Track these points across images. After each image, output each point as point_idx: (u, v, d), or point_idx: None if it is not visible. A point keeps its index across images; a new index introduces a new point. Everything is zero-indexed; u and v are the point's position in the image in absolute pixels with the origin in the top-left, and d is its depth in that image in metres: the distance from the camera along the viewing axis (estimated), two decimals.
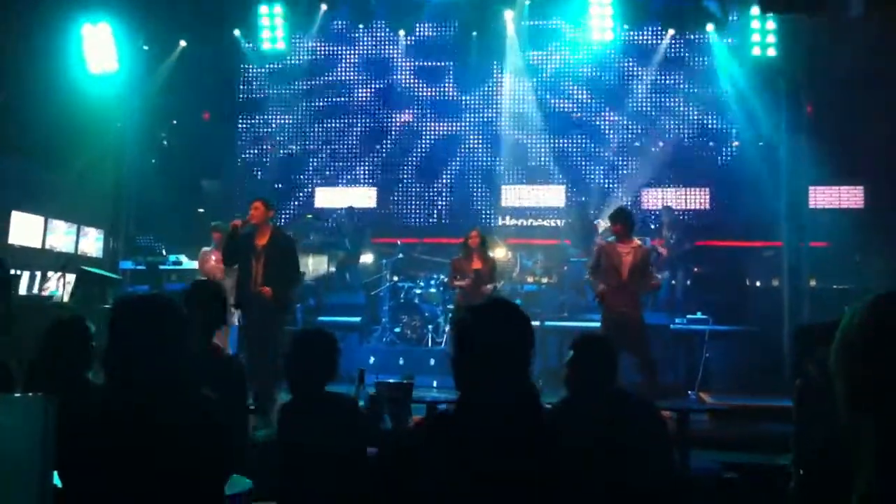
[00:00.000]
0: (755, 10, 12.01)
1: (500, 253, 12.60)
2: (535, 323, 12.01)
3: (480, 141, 15.75)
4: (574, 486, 2.56)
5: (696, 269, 13.08)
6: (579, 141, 15.50)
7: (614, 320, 8.78)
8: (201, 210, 14.94)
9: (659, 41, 14.87)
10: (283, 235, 8.76)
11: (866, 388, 1.62)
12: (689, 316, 11.82)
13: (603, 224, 12.97)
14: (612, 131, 15.45)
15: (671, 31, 14.27)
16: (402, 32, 15.08)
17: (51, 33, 12.37)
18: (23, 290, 11.22)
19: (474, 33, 14.65)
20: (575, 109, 15.53)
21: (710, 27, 13.44)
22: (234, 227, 8.62)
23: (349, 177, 16.12)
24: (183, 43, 13.85)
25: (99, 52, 13.04)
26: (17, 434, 2.64)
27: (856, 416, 1.64)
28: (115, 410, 2.78)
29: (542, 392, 2.64)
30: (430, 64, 15.89)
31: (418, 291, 12.59)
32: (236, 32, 14.06)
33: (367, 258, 14.09)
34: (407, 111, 16.00)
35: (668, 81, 15.08)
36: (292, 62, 15.69)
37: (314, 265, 13.94)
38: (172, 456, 2.74)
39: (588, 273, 9.52)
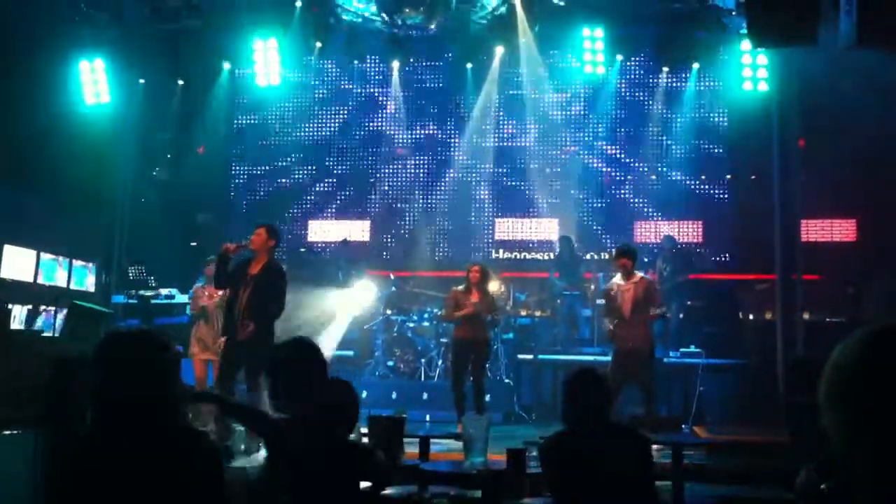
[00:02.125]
0: (746, 44, 12.11)
1: (493, 286, 12.59)
2: (528, 356, 12.13)
3: (474, 173, 15.78)
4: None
5: (689, 303, 13.08)
6: (573, 174, 15.53)
7: (623, 354, 9.25)
8: (194, 244, 14.92)
9: (651, 75, 14.98)
10: (276, 268, 8.67)
11: (866, 422, 1.61)
12: (682, 349, 11.80)
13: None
14: (605, 165, 15.51)
15: (665, 69, 14.40)
16: (395, 65, 15.16)
17: (47, 66, 12.43)
18: (15, 325, 11.17)
19: (469, 65, 14.75)
20: (568, 143, 15.59)
21: (701, 61, 13.56)
22: (226, 250, 8.59)
23: (342, 210, 16.13)
24: (181, 82, 13.99)
25: (93, 84, 13.12)
26: (8, 468, 2.62)
27: (853, 449, 1.64)
28: (105, 450, 2.75)
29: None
30: (424, 96, 15.98)
31: (411, 325, 12.56)
32: (226, 66, 14.18)
33: (360, 291, 14.01)
34: (401, 143, 16.05)
35: (660, 115, 15.12)
36: (287, 96, 15.75)
37: (306, 299, 13.85)
38: (162, 492, 2.71)
39: (604, 315, 9.98)
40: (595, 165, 15.51)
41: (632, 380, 9.16)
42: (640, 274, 9.66)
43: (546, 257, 15.04)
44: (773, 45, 10.59)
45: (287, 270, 8.87)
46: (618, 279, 9.55)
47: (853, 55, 9.38)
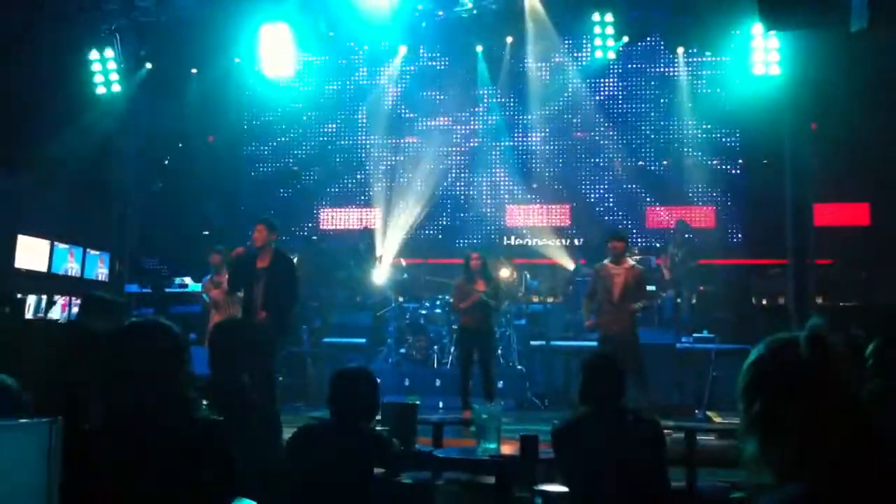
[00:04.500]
0: (758, 27, 12.02)
1: (505, 272, 12.58)
2: (541, 343, 12.12)
3: (486, 159, 15.74)
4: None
5: (701, 288, 13.04)
6: (585, 160, 15.49)
7: (608, 340, 9.08)
8: (206, 232, 14.94)
9: (662, 60, 14.91)
10: (284, 258, 8.75)
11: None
12: (695, 335, 11.78)
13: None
14: (617, 150, 15.43)
15: (680, 49, 14.29)
16: (403, 50, 15.10)
17: (59, 56, 12.46)
18: (29, 314, 11.27)
19: (479, 48, 14.68)
20: (580, 128, 15.53)
21: (713, 45, 13.47)
22: (236, 256, 8.68)
23: (353, 197, 16.12)
24: (194, 70, 14.00)
25: (104, 74, 13.15)
26: (22, 458, 2.63)
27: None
28: (116, 435, 2.77)
29: None
30: (434, 81, 15.94)
31: (424, 312, 12.56)
32: (236, 56, 14.15)
33: (373, 278, 14.03)
34: (412, 130, 16.02)
35: (672, 100, 15.05)
36: (298, 85, 15.72)
37: (321, 286, 13.87)
38: (175, 480, 2.73)
39: (584, 299, 9.70)
40: (606, 150, 15.44)
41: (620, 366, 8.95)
42: (631, 261, 9.58)
43: (558, 243, 14.96)
44: (785, 27, 10.51)
45: (300, 259, 8.93)
46: (608, 262, 9.40)
47: (865, 37, 9.32)
